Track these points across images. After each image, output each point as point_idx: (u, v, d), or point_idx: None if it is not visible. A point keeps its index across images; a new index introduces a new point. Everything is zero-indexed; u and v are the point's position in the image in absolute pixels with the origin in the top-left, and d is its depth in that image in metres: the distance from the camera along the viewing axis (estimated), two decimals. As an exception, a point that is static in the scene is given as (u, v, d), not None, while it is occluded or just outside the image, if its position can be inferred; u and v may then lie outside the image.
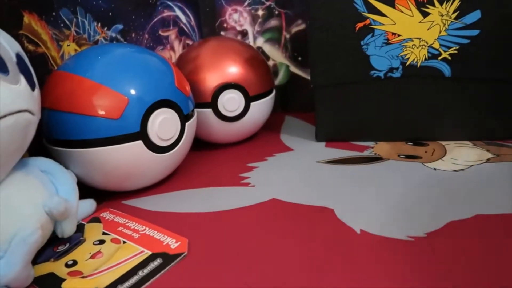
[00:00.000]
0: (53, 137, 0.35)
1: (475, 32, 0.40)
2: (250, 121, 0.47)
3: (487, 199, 0.33)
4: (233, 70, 0.45)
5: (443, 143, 0.44)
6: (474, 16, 0.40)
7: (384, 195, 0.35)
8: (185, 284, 0.26)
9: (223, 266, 0.28)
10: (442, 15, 0.40)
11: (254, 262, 0.28)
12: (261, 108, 0.47)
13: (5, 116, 0.24)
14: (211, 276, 0.27)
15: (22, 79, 0.26)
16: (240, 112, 0.45)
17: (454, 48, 0.41)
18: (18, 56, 0.27)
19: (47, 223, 0.28)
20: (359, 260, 0.27)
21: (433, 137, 0.45)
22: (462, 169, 0.38)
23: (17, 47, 0.28)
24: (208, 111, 0.44)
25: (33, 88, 0.27)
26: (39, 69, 0.30)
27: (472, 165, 0.39)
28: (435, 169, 0.39)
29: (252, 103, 0.46)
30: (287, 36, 0.56)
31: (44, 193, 0.28)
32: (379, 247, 0.28)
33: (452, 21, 0.40)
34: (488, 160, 0.40)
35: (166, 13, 0.53)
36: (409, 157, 0.42)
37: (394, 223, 0.31)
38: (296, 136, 0.50)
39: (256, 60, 0.47)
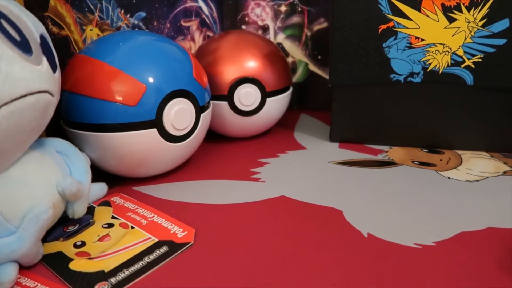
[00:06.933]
0: (71, 119, 0.35)
1: (501, 42, 0.39)
2: (265, 116, 0.46)
3: (501, 212, 0.32)
4: (252, 64, 0.45)
5: (460, 152, 0.44)
6: (502, 24, 0.39)
7: (395, 200, 0.34)
8: (189, 274, 0.26)
9: (228, 258, 0.28)
10: (468, 22, 0.39)
11: (258, 257, 0.28)
12: (277, 104, 0.47)
13: (26, 95, 0.25)
14: (216, 267, 0.27)
15: (45, 60, 0.27)
16: (255, 107, 0.45)
17: (479, 56, 0.40)
18: (42, 37, 0.28)
19: (59, 202, 0.29)
20: (363, 263, 0.27)
21: (450, 145, 0.44)
22: (477, 180, 0.38)
23: (41, 29, 0.28)
24: (224, 104, 0.45)
25: (54, 70, 0.28)
26: (61, 52, 0.31)
27: (487, 177, 0.38)
28: (449, 178, 0.38)
29: (268, 99, 0.45)
30: (308, 34, 0.56)
31: (58, 174, 0.29)
32: (385, 252, 0.28)
33: (478, 29, 0.39)
34: (504, 173, 0.39)
35: (189, 4, 0.53)
36: (423, 164, 0.41)
37: (403, 229, 0.31)
38: (310, 135, 0.50)
39: (275, 56, 0.46)
